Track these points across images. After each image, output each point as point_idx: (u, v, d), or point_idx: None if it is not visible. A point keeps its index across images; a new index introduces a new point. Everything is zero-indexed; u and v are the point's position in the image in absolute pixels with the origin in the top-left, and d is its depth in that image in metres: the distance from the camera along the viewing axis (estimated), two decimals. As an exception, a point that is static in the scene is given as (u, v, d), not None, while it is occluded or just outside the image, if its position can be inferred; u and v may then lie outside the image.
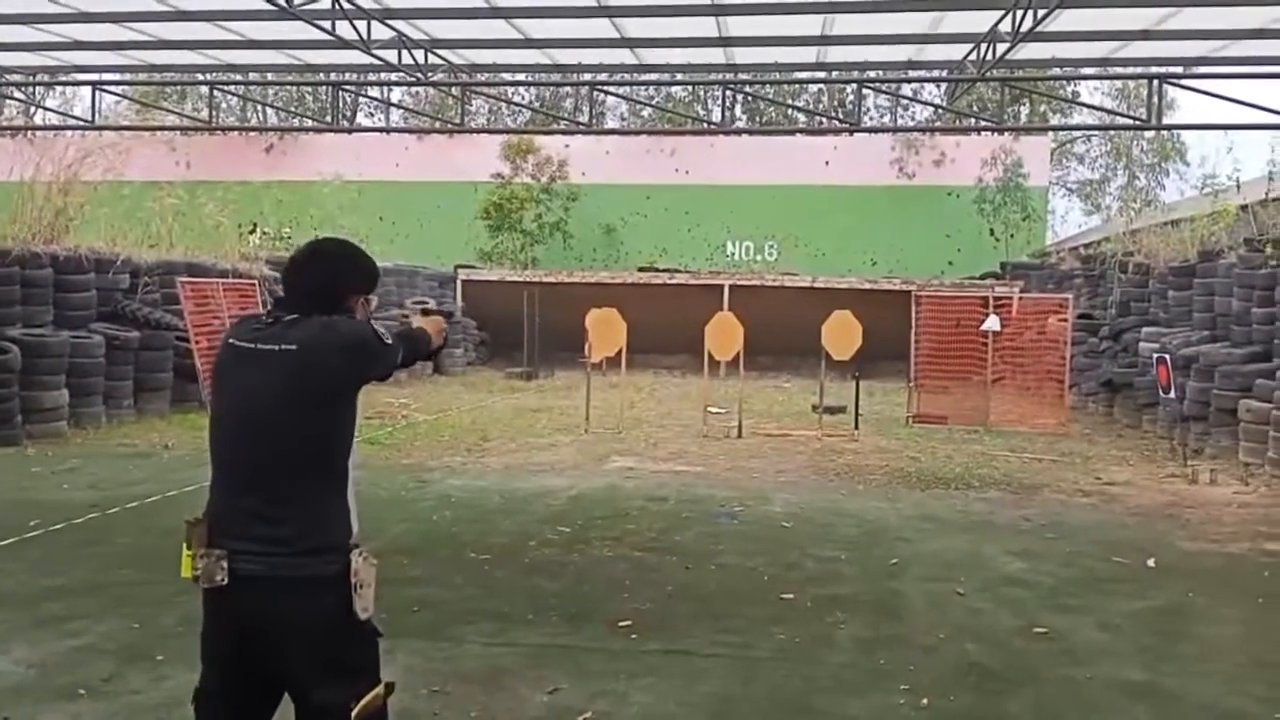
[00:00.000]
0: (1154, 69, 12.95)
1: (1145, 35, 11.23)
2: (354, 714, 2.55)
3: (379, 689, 2.65)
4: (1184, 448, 11.63)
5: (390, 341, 2.80)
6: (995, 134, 24.13)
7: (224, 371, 2.77)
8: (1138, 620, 5.82)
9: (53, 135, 16.43)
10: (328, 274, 2.84)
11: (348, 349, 2.70)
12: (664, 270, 23.75)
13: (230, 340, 2.76)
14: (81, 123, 15.60)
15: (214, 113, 15.47)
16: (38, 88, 17.46)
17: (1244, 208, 14.00)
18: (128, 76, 17.12)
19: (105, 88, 15.77)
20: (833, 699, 4.53)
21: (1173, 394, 11.73)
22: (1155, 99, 12.37)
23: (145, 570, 6.10)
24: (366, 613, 2.64)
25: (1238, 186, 15.67)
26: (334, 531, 2.65)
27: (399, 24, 11.87)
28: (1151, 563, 7.07)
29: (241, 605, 2.58)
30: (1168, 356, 11.90)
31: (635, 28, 11.77)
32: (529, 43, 12.48)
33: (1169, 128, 24.33)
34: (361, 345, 2.74)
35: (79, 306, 12.65)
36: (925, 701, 4.49)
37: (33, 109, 25.24)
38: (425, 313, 3.29)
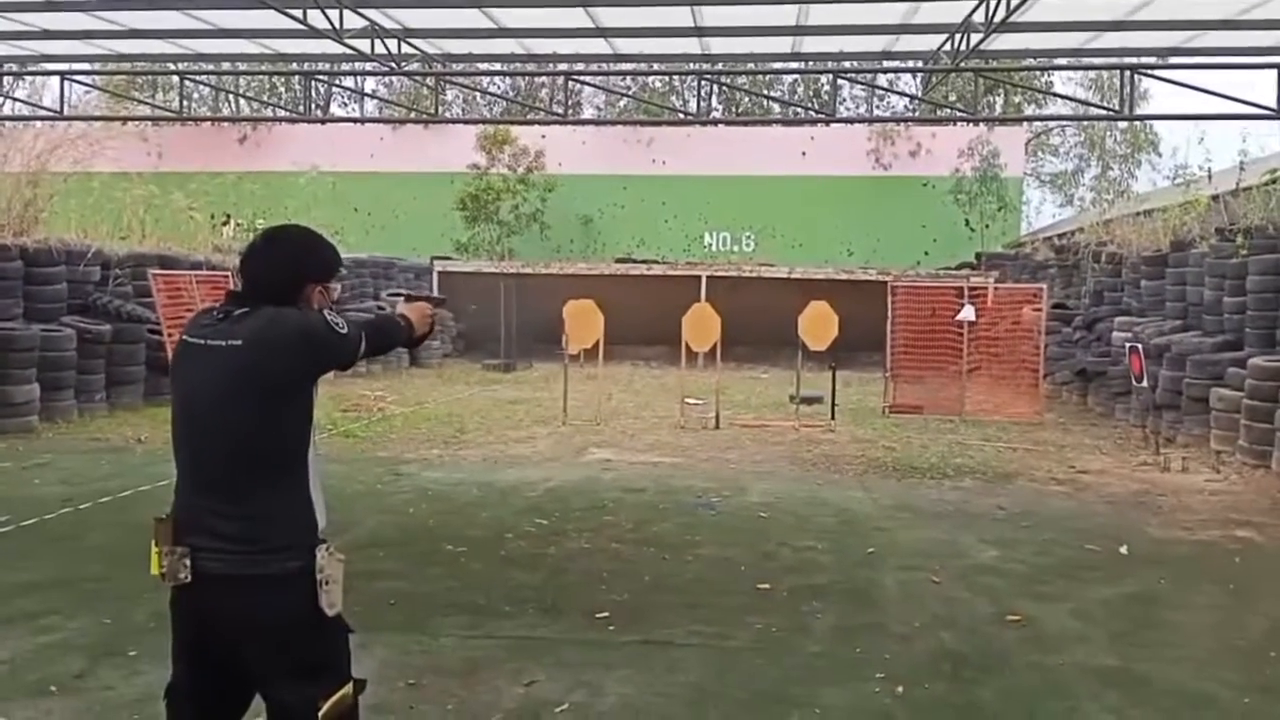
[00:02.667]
0: (1127, 60, 13.05)
1: (1118, 26, 11.30)
2: (321, 713, 2.53)
3: (347, 687, 2.62)
4: (1156, 436, 11.75)
5: (345, 331, 2.71)
6: (971, 124, 24.25)
7: (178, 368, 2.73)
8: (1110, 607, 5.88)
9: (21, 126, 16.19)
10: (282, 263, 2.78)
11: (295, 341, 2.63)
12: (641, 261, 23.75)
13: (184, 336, 2.72)
14: (50, 113, 15.39)
15: (185, 102, 15.28)
16: (5, 78, 17.23)
17: (1215, 198, 14.09)
18: (97, 66, 16.89)
19: (74, 78, 15.54)
20: (809, 688, 4.55)
21: (1145, 383, 11.83)
22: (1128, 90, 12.45)
23: (117, 566, 6.04)
24: (334, 609, 2.60)
25: (1209, 176, 15.76)
26: (295, 528, 2.61)
27: (371, 13, 11.76)
28: (1124, 550, 7.14)
29: (204, 603, 2.56)
30: (1140, 346, 12.01)
31: (610, 17, 11.73)
32: (503, 32, 12.41)
33: (1141, 118, 24.57)
34: (309, 336, 2.66)
35: (49, 299, 12.49)
36: (900, 690, 4.51)
37: (0, 99, 24.90)
38: (410, 299, 3.17)
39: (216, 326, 2.63)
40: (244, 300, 2.69)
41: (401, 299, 3.21)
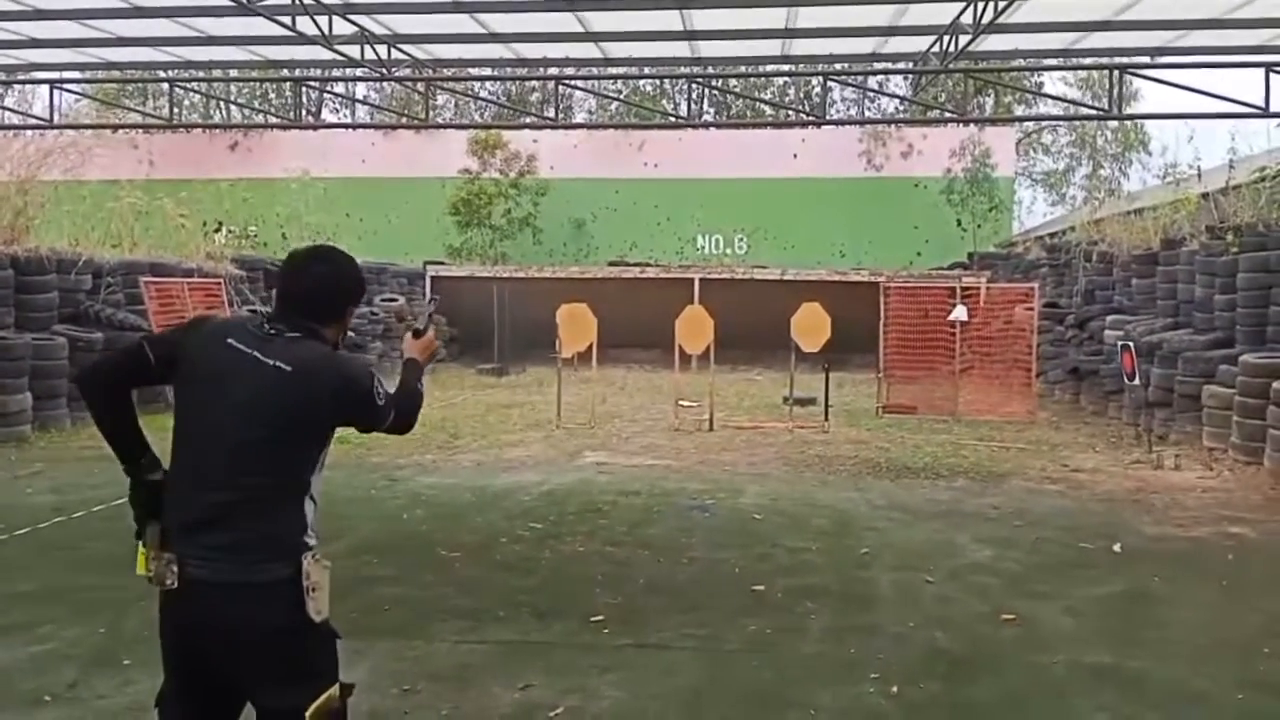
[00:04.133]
0: (1117, 59, 13.09)
1: (1105, 26, 11.34)
2: (307, 716, 2.52)
3: (333, 690, 2.61)
4: (1149, 434, 11.78)
5: (383, 401, 2.73)
6: (961, 125, 24.30)
7: (205, 365, 2.64)
8: (1104, 605, 5.90)
9: (11, 135, 16.18)
10: (330, 284, 2.79)
11: (343, 393, 2.66)
12: (634, 264, 23.77)
13: (227, 339, 2.63)
14: (40, 122, 15.37)
15: (176, 110, 15.27)
16: (-5, 87, 17.21)
17: (1205, 196, 14.14)
18: (87, 75, 16.88)
19: (64, 86, 15.53)
20: (803, 689, 4.55)
21: (1137, 381, 11.86)
22: (1116, 89, 12.49)
23: (110, 575, 6.01)
24: (320, 615, 2.60)
25: (1199, 175, 15.83)
26: (284, 536, 2.60)
27: (361, 19, 11.76)
28: (1117, 548, 7.16)
29: (192, 610, 2.56)
30: (1132, 344, 12.04)
31: (600, 21, 11.73)
32: (493, 37, 12.41)
33: (1130, 118, 24.58)
34: (357, 393, 2.68)
35: (41, 308, 12.47)
36: (895, 690, 4.52)
37: (-10, 108, 24.85)
38: (417, 334, 3.10)
39: (266, 341, 2.61)
40: (291, 321, 2.67)
41: (410, 334, 3.14)
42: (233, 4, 10.26)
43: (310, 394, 2.59)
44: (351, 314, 2.85)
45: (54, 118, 14.91)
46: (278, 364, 2.58)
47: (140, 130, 25.64)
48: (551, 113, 17.29)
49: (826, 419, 13.19)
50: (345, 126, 28.57)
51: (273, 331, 2.65)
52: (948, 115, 23.87)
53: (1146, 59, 13.48)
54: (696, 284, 21.09)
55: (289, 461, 2.62)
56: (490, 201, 25.19)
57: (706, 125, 27.77)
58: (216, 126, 28.08)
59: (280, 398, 2.57)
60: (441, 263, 24.24)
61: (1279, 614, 5.81)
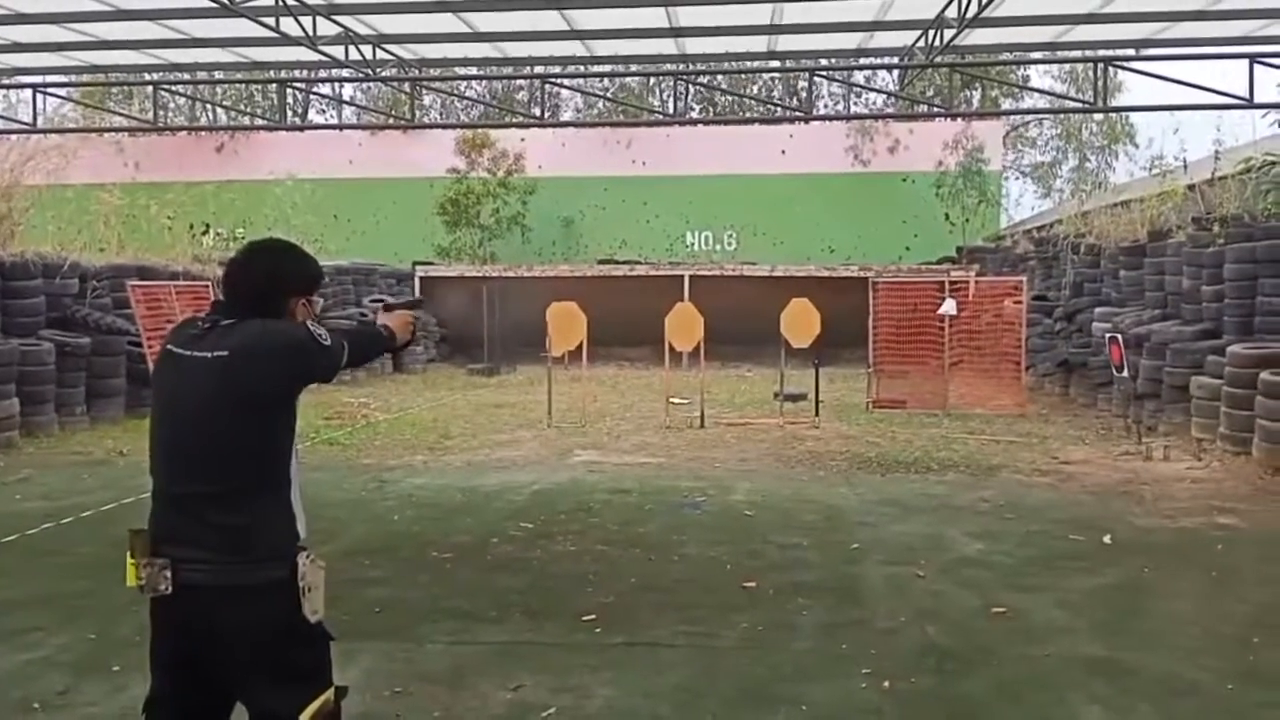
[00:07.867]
0: (1101, 52, 13.11)
1: (1090, 19, 11.35)
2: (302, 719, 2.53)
3: (328, 693, 2.63)
4: (1138, 425, 11.82)
5: (328, 342, 2.72)
6: (949, 120, 24.33)
7: (160, 377, 2.75)
8: (1095, 597, 5.91)
9: (-5, 139, 16.08)
10: (265, 275, 2.79)
11: (280, 353, 2.65)
12: (624, 262, 23.76)
13: (167, 346, 2.72)
14: (24, 126, 15.27)
15: (161, 113, 15.19)
16: (-23, 91, 17.11)
17: (1191, 187, 14.20)
18: (71, 78, 16.78)
19: (48, 90, 15.42)
20: (796, 685, 4.56)
21: (1126, 373, 11.91)
22: (1101, 82, 12.52)
23: (101, 580, 5.98)
24: (316, 615, 2.61)
25: (1185, 166, 15.89)
26: (277, 536, 2.61)
27: (345, 19, 11.70)
28: (1108, 540, 7.18)
29: (186, 614, 2.56)
30: (1120, 336, 12.08)
31: (585, 19, 11.71)
32: (478, 36, 12.36)
33: (1116, 110, 24.59)
34: (295, 349, 2.68)
35: (27, 313, 12.40)
36: (887, 685, 4.53)
37: (-27, 113, 24.69)
38: (388, 308, 3.15)
39: (203, 337, 2.64)
40: (230, 311, 2.69)
41: (381, 308, 3.20)
42: (216, 5, 10.20)
43: (254, 368, 2.59)
44: (300, 304, 2.80)
45: (38, 121, 14.81)
46: (214, 354, 2.59)
47: (125, 133, 25.51)
48: (538, 111, 17.25)
49: (817, 414, 13.20)
50: (331, 128, 28.48)
51: (208, 325, 2.67)
52: (934, 110, 23.89)
53: (1131, 51, 13.51)
54: (686, 281, 21.10)
55: (258, 449, 2.62)
56: (478, 201, 25.15)
57: (694, 122, 27.77)
58: (202, 129, 27.95)
59: (226, 385, 2.57)
60: (430, 263, 24.21)
61: (1269, 604, 5.84)
